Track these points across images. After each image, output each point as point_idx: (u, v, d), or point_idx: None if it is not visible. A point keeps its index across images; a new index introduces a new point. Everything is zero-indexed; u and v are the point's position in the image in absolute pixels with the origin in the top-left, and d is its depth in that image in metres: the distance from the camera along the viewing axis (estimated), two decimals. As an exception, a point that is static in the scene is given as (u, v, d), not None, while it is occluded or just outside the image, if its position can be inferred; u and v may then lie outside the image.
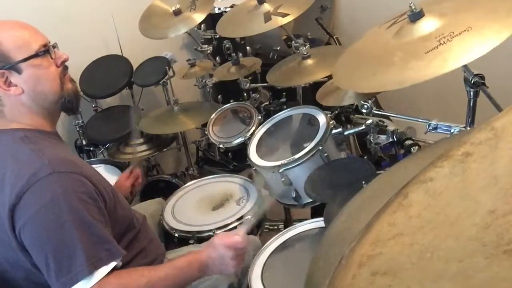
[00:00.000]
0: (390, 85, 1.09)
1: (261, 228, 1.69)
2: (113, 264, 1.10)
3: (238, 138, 1.88)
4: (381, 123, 1.52)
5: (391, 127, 1.48)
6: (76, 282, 1.04)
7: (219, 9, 2.44)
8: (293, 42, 1.97)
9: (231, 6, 2.39)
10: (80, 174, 1.12)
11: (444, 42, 1.01)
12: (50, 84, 1.21)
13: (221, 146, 1.93)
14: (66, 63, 1.26)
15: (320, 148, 1.53)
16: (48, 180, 1.07)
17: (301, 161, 1.53)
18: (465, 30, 0.99)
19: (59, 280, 1.05)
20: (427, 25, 1.10)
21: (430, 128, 1.34)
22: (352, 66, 1.29)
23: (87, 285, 1.05)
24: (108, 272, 1.09)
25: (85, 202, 1.10)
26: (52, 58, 1.21)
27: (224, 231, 1.57)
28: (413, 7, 1.12)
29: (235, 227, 1.58)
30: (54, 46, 1.23)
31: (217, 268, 1.24)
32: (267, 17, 1.75)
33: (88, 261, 1.05)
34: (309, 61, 1.83)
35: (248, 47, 2.55)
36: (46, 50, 1.19)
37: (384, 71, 1.11)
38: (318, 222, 1.42)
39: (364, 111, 1.56)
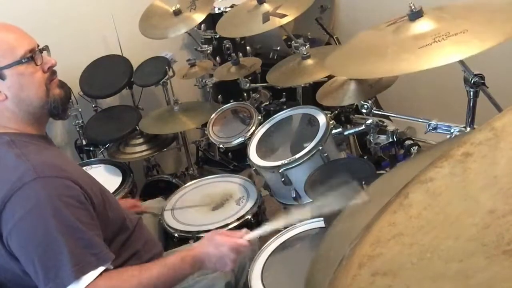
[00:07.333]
0: (380, 73, 1.13)
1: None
2: (101, 268, 1.09)
3: (238, 138, 1.88)
4: (381, 123, 1.52)
5: (391, 127, 1.49)
6: (63, 287, 1.04)
7: (219, 9, 2.44)
8: (293, 42, 1.97)
9: (231, 6, 2.39)
10: (65, 178, 1.11)
11: (438, 40, 1.02)
12: (35, 91, 1.18)
13: (221, 146, 1.93)
14: (55, 68, 1.23)
15: (320, 148, 1.53)
16: (32, 185, 1.06)
17: (301, 161, 1.53)
18: (461, 32, 1.00)
19: (47, 285, 1.04)
20: (425, 25, 1.12)
21: (430, 128, 1.34)
22: (346, 55, 1.31)
23: None
24: (98, 276, 1.08)
25: (71, 206, 1.08)
26: (37, 65, 1.17)
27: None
28: (413, 7, 1.13)
29: (235, 227, 1.58)
30: (43, 50, 1.21)
31: (213, 265, 1.22)
32: (266, 17, 1.75)
33: (74, 266, 1.05)
34: (309, 61, 1.83)
35: (248, 47, 2.55)
36: (31, 57, 1.16)
37: (376, 60, 1.13)
38: (318, 222, 1.42)
39: (364, 111, 1.56)
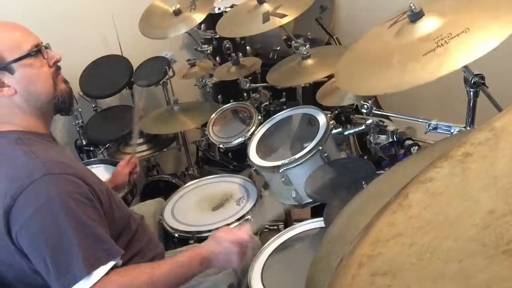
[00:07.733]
0: (387, 88, 1.10)
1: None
2: (111, 263, 1.10)
3: (238, 138, 1.88)
4: (381, 123, 1.52)
5: (391, 127, 1.48)
6: (75, 282, 1.04)
7: (219, 9, 2.44)
8: (293, 42, 1.97)
9: (231, 6, 2.39)
10: (74, 175, 1.11)
11: (441, 44, 1.01)
12: (43, 84, 1.20)
13: (221, 146, 1.93)
14: (59, 64, 1.25)
15: (320, 148, 1.53)
16: (42, 182, 1.06)
17: (301, 161, 1.53)
18: (463, 32, 0.99)
19: (59, 281, 1.05)
20: (427, 26, 1.10)
21: (430, 128, 1.34)
22: (353, 67, 1.29)
23: (86, 285, 1.05)
24: (108, 271, 1.09)
25: (81, 202, 1.09)
26: (44, 58, 1.20)
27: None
28: (413, 7, 1.12)
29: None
30: (47, 47, 1.23)
31: (221, 263, 1.23)
32: (266, 17, 1.75)
33: (85, 261, 1.05)
34: (309, 61, 1.83)
35: (248, 47, 2.55)
36: (38, 50, 1.19)
37: (382, 73, 1.11)
38: (318, 222, 1.42)
39: (364, 111, 1.56)
